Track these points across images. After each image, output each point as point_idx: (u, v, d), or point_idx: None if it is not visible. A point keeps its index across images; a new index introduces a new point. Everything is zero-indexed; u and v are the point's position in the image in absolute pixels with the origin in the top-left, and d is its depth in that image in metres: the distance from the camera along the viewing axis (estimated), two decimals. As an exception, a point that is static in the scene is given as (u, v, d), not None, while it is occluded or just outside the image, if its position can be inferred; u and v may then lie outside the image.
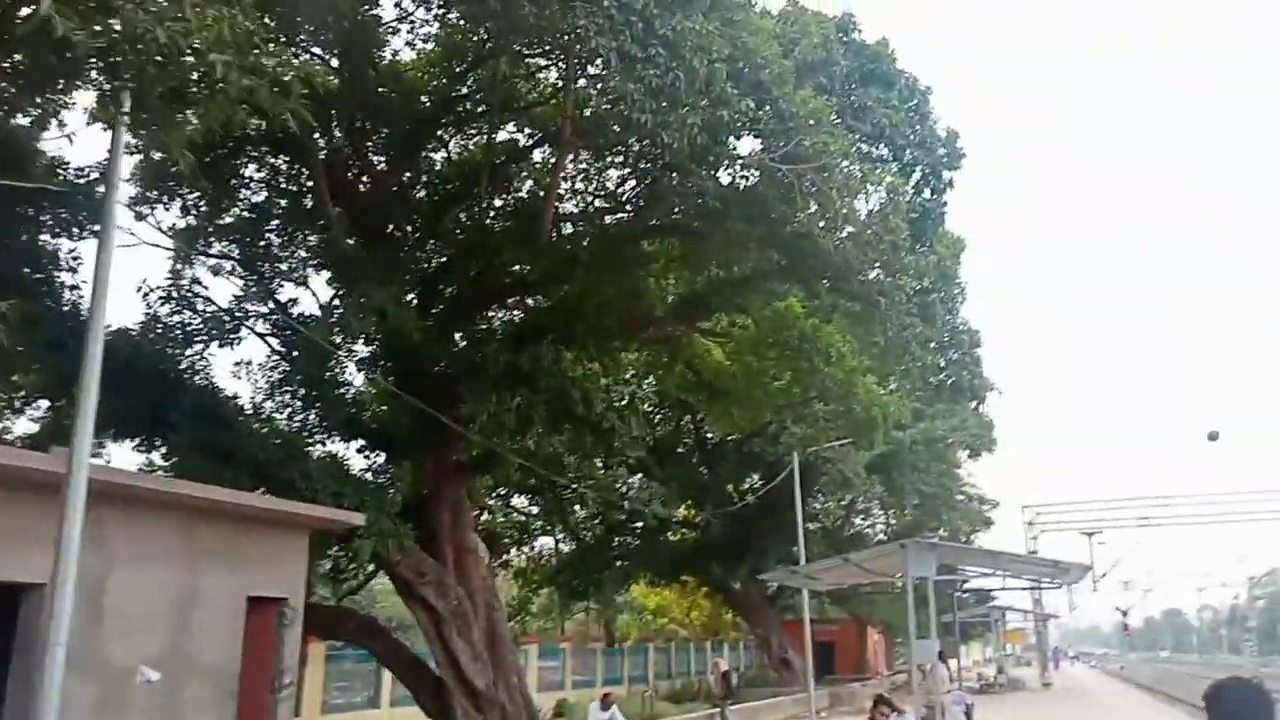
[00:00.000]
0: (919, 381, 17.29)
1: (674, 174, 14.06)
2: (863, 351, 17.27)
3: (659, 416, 34.06)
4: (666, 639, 44.53)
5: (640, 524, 34.62)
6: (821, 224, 13.51)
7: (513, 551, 36.88)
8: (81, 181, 13.18)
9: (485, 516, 30.34)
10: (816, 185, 12.98)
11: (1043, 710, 31.88)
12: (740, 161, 14.11)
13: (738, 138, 14.01)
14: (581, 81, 13.51)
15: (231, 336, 14.73)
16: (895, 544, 16.25)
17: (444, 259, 17.19)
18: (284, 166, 15.19)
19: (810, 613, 48.63)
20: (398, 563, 15.58)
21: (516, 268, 17.44)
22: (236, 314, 14.39)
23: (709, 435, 33.14)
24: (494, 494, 28.84)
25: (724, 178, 14.37)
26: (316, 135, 14.26)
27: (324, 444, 15.89)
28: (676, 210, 15.00)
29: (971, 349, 17.13)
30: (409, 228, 16.70)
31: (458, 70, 15.70)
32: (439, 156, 16.82)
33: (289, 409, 15.47)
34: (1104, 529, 50.24)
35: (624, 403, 18.32)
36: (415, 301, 17.01)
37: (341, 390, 16.22)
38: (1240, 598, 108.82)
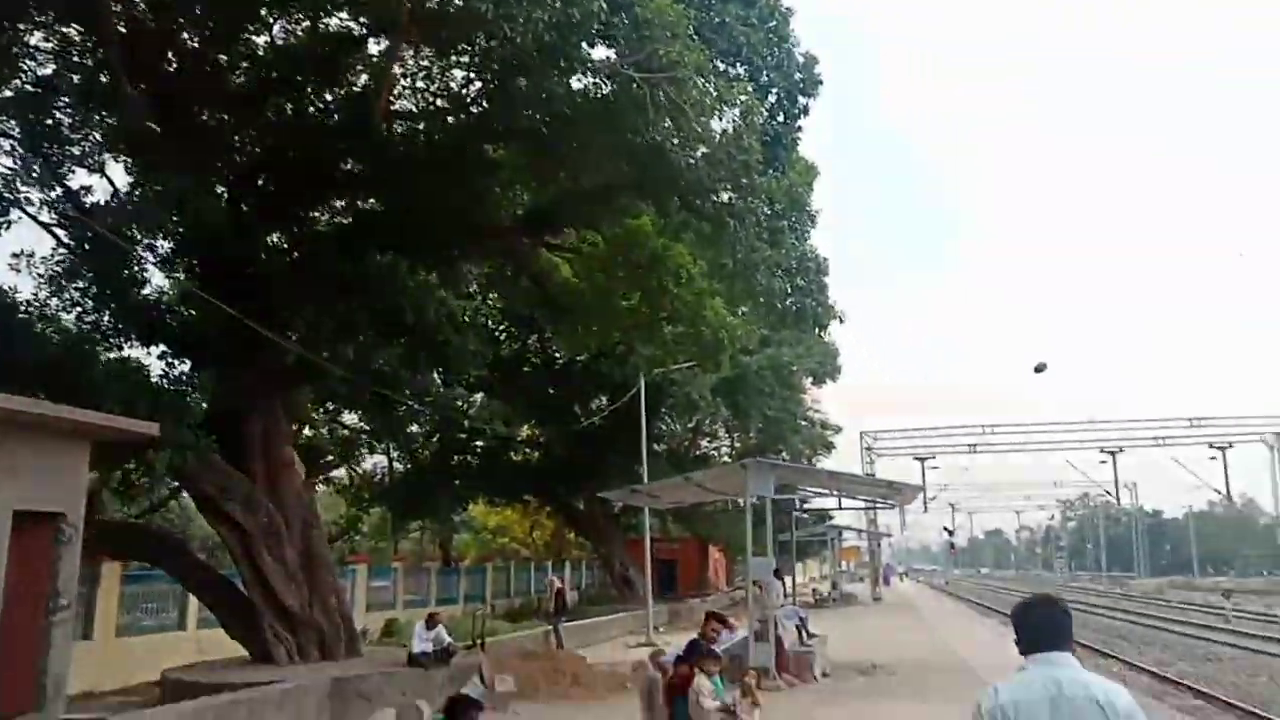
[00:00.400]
0: (765, 306, 17.26)
1: (522, 76, 13.35)
2: (712, 274, 17.14)
3: (504, 334, 33.46)
4: (506, 558, 44.52)
5: (481, 443, 34.19)
6: (675, 140, 13.12)
7: (343, 469, 36.00)
8: None
9: (309, 431, 29.25)
10: (670, 98, 12.56)
11: (869, 620, 33.46)
12: (592, 68, 13.51)
13: (590, 44, 13.39)
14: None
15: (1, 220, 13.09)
16: (737, 464, 16.35)
17: (262, 151, 15.93)
18: (77, 38, 13.60)
19: (653, 532, 49.56)
20: (200, 478, 14.67)
21: (346, 166, 16.39)
22: (6, 196, 12.85)
23: (557, 355, 32.80)
24: (321, 408, 27.78)
25: (575, 84, 13.75)
26: (114, 3, 12.82)
27: (120, 348, 14.58)
28: (524, 115, 14.31)
29: (818, 276, 17.18)
30: (223, 115, 15.34)
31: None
32: (261, 40, 15.46)
33: (78, 308, 14.09)
34: (936, 454, 52.97)
35: (463, 316, 17.68)
36: (226, 195, 15.77)
37: (140, 290, 14.88)
38: (1054, 520, 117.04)
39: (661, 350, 20.44)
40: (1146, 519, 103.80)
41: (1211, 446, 49.30)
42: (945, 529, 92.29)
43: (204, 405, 14.90)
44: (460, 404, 29.04)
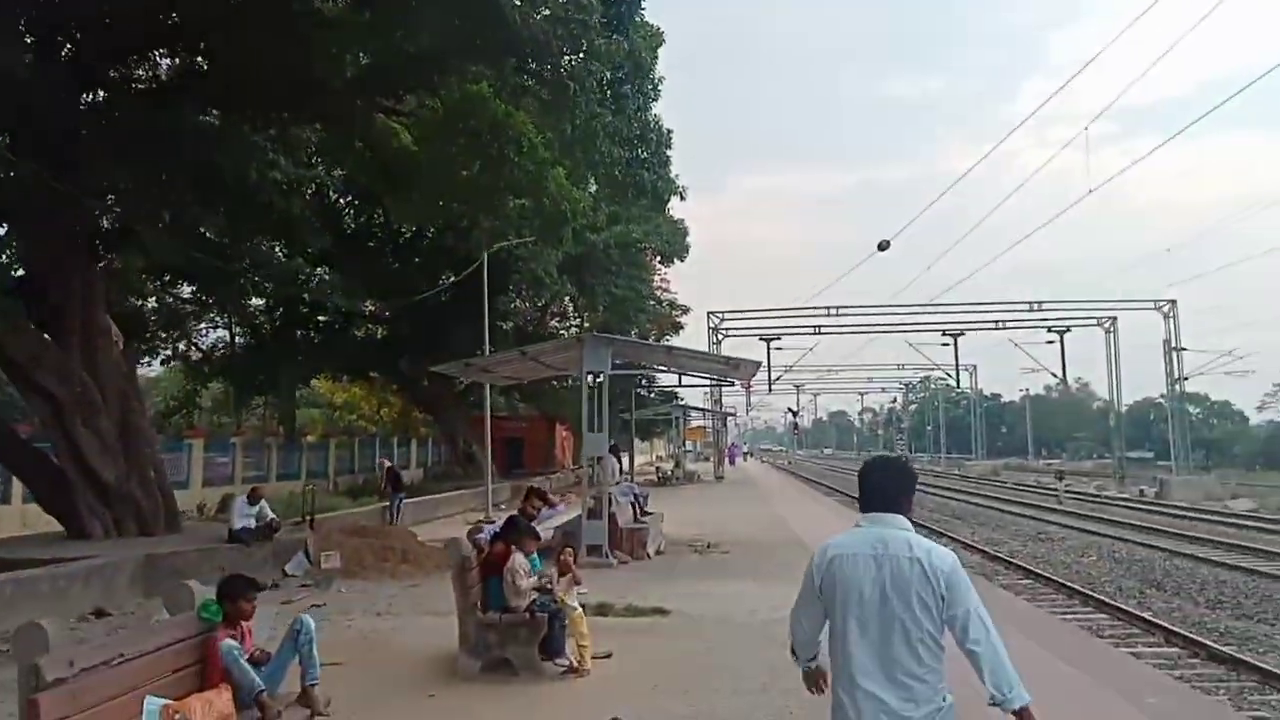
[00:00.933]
0: (607, 177, 17.10)
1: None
2: (554, 145, 16.82)
3: (349, 208, 32.30)
4: (353, 435, 44.03)
5: (324, 318, 33.31)
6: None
7: (183, 344, 34.76)
8: None
9: (142, 303, 27.93)
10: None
11: (710, 499, 34.73)
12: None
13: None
14: None
15: None
16: (572, 338, 16.33)
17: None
18: None
19: (500, 410, 49.79)
20: (8, 344, 13.83)
21: (169, 19, 15.18)
22: None
23: (402, 230, 31.90)
24: (154, 279, 26.47)
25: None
26: None
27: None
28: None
29: (661, 148, 17.09)
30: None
31: None
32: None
33: None
34: (781, 335, 54.36)
35: (296, 183, 16.88)
36: (34, 46, 14.47)
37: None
38: (896, 402, 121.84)
39: (503, 222, 20.11)
40: (984, 402, 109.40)
41: (1050, 330, 51.76)
42: (790, 410, 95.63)
43: (15, 271, 13.94)
44: (303, 277, 28.07)
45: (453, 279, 28.22)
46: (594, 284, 32.96)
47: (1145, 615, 14.17)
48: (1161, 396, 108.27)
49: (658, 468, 51.39)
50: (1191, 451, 53.49)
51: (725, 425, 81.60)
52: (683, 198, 20.11)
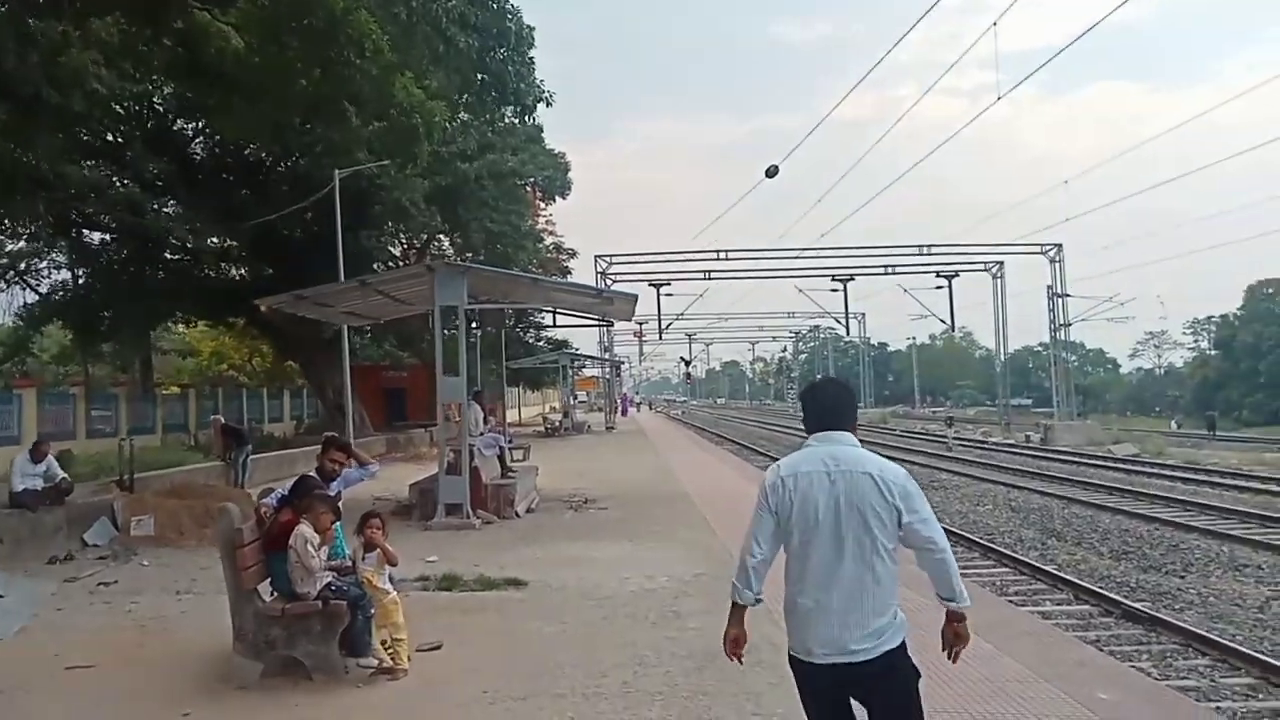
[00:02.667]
0: (459, 76, 15.10)
1: None
2: (399, 46, 14.56)
3: (196, 135, 29.16)
4: (214, 385, 40.82)
5: (172, 255, 30.26)
6: None
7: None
8: None
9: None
10: None
11: (597, 450, 32.97)
12: None
13: None
14: None
15: None
16: (420, 266, 14.09)
17: None
18: None
19: (381, 360, 47.11)
20: None
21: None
22: None
23: (263, 158, 28.92)
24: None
25: None
26: None
27: None
28: None
29: (523, 47, 15.13)
30: None
31: None
32: None
33: None
34: (671, 281, 52.77)
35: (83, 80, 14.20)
36: None
37: None
38: (787, 351, 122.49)
39: (352, 139, 17.72)
40: (872, 351, 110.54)
41: (939, 275, 51.38)
42: (682, 359, 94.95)
43: None
44: (149, 211, 25.11)
45: (296, 206, 25.40)
46: (467, 218, 30.41)
47: (1050, 569, 13.33)
48: (1041, 345, 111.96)
49: (545, 418, 49.34)
50: (1056, 398, 54.05)
51: (619, 375, 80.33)
52: (549, 103, 18.38)
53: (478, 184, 30.26)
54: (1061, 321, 52.17)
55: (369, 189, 26.53)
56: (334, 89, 15.57)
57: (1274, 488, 23.12)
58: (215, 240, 29.01)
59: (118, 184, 26.02)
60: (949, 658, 3.81)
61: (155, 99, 25.72)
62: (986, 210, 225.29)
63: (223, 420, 21.87)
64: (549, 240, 47.15)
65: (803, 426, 3.97)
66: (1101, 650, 8.69)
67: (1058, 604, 11.54)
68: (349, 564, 6.97)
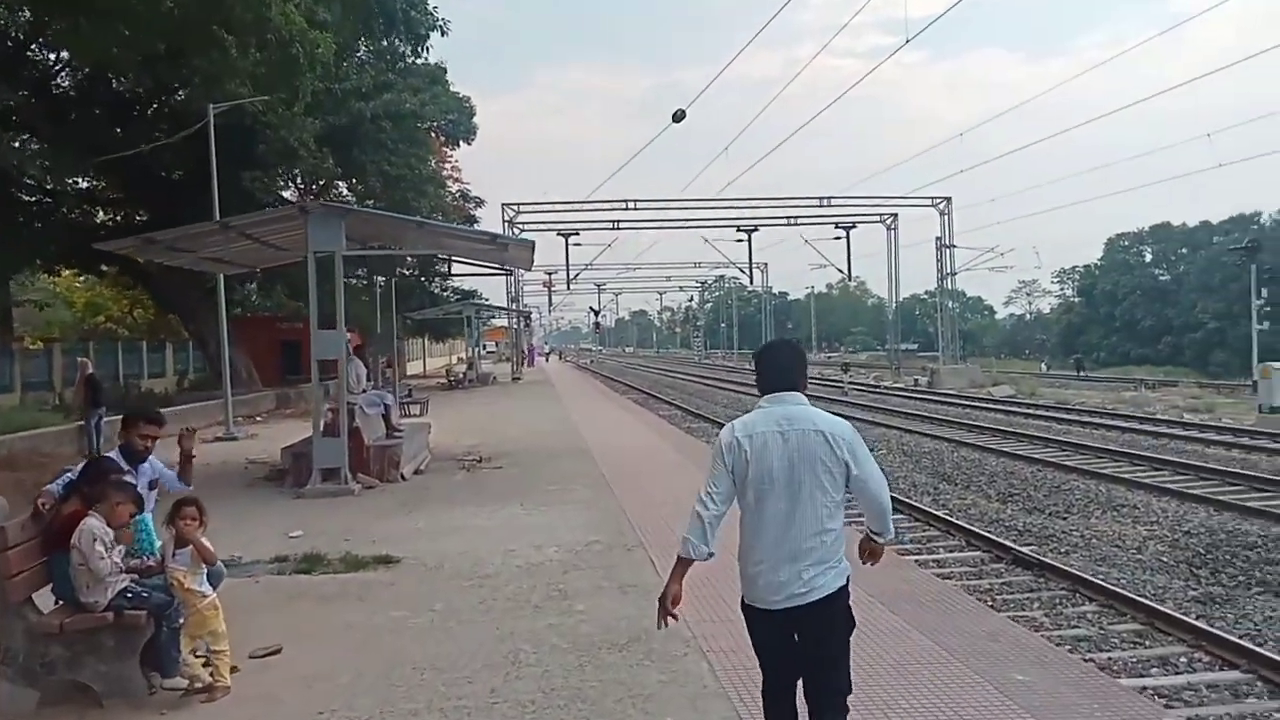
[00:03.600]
0: (337, 4, 13.47)
1: None
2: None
3: (60, 63, 26.36)
4: (85, 338, 37.82)
5: (29, 196, 27.48)
6: None
7: None
8: None
9: None
10: None
11: (501, 403, 31.50)
12: None
13: None
14: None
15: None
16: (291, 207, 12.39)
17: None
18: None
19: (275, 310, 44.60)
20: None
21: None
22: None
23: (139, 91, 26.29)
24: None
25: None
26: None
27: None
28: None
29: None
30: None
31: None
32: None
33: None
34: (580, 230, 51.19)
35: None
36: None
37: None
38: (693, 301, 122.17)
39: (227, 70, 15.80)
40: (773, 299, 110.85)
41: (837, 226, 50.98)
42: (591, 309, 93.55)
43: None
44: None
45: (161, 141, 23.08)
46: (364, 160, 28.20)
47: (943, 515, 12.89)
48: (927, 293, 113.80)
49: (448, 370, 47.51)
50: (941, 343, 54.68)
51: (528, 325, 78.56)
52: (444, 33, 16.77)
53: (374, 125, 28.08)
54: (948, 271, 52.34)
55: (254, 128, 24.32)
56: (203, 12, 13.70)
57: (1136, 425, 23.93)
58: (80, 180, 26.37)
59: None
60: (864, 562, 4.06)
61: (7, 23, 22.95)
62: (881, 165, 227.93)
63: (90, 368, 19.16)
64: (455, 187, 44.94)
65: (755, 385, 4.01)
66: (999, 609, 8.16)
67: (950, 550, 11.12)
68: (152, 563, 5.54)
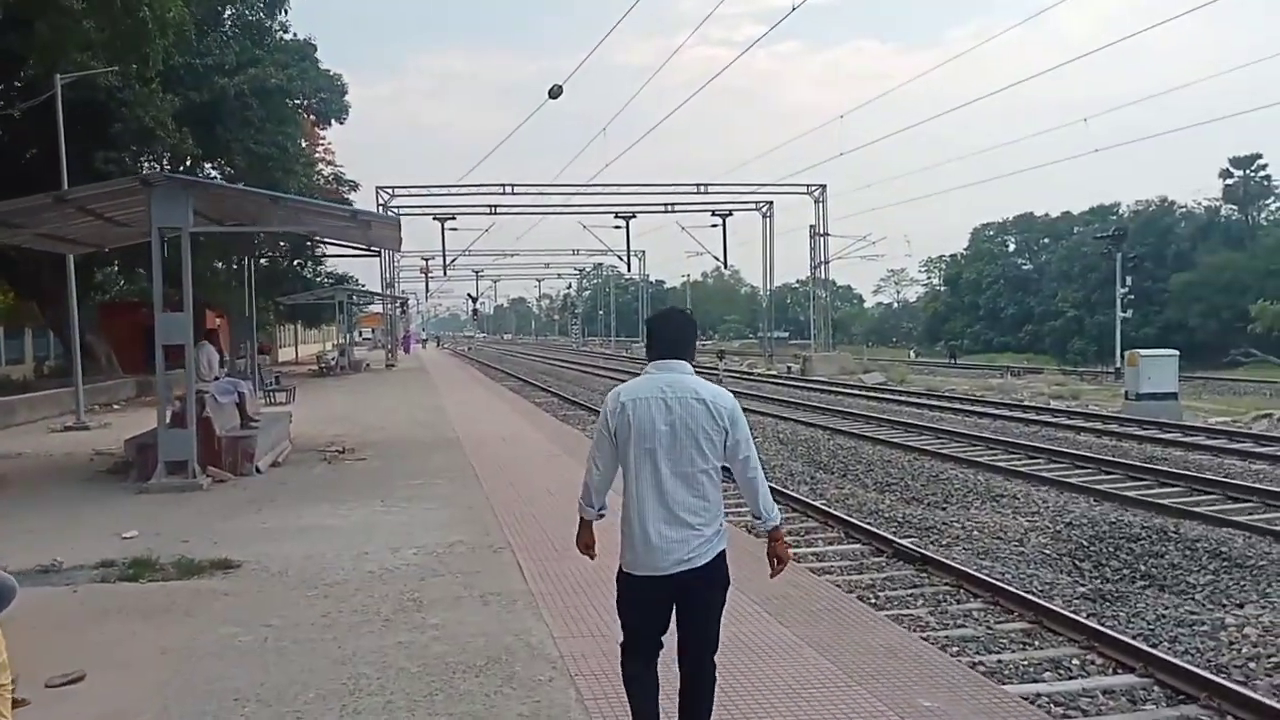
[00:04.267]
0: None
1: None
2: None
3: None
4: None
5: None
6: None
7: None
8: None
9: None
10: None
11: (372, 390, 30.20)
12: None
13: None
14: None
15: None
16: (131, 179, 11.10)
17: None
18: None
19: (136, 295, 41.74)
20: None
21: None
22: None
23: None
24: None
25: None
26: None
27: None
28: None
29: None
30: None
31: None
32: None
33: None
34: (457, 215, 49.74)
35: None
36: None
37: None
38: (571, 288, 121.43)
39: (68, 36, 14.27)
40: (650, 287, 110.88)
41: (714, 214, 50.82)
42: (469, 295, 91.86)
43: None
44: None
45: (29, 128, 21.11)
46: (229, 139, 26.36)
47: (821, 505, 12.37)
48: (799, 282, 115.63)
49: (319, 357, 45.51)
50: (814, 330, 55.31)
51: (404, 312, 76.32)
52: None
53: (239, 101, 26.25)
54: (823, 259, 52.83)
55: (107, 104, 22.43)
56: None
57: (1007, 413, 24.03)
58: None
59: None
60: (772, 577, 4.03)
61: None
62: (756, 152, 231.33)
63: None
64: (327, 170, 42.92)
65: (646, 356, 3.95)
66: (882, 607, 7.80)
67: (830, 543, 10.60)
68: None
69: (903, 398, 29.63)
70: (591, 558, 4.07)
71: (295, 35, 31.85)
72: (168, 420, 11.92)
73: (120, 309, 38.56)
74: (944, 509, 12.52)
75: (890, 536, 10.48)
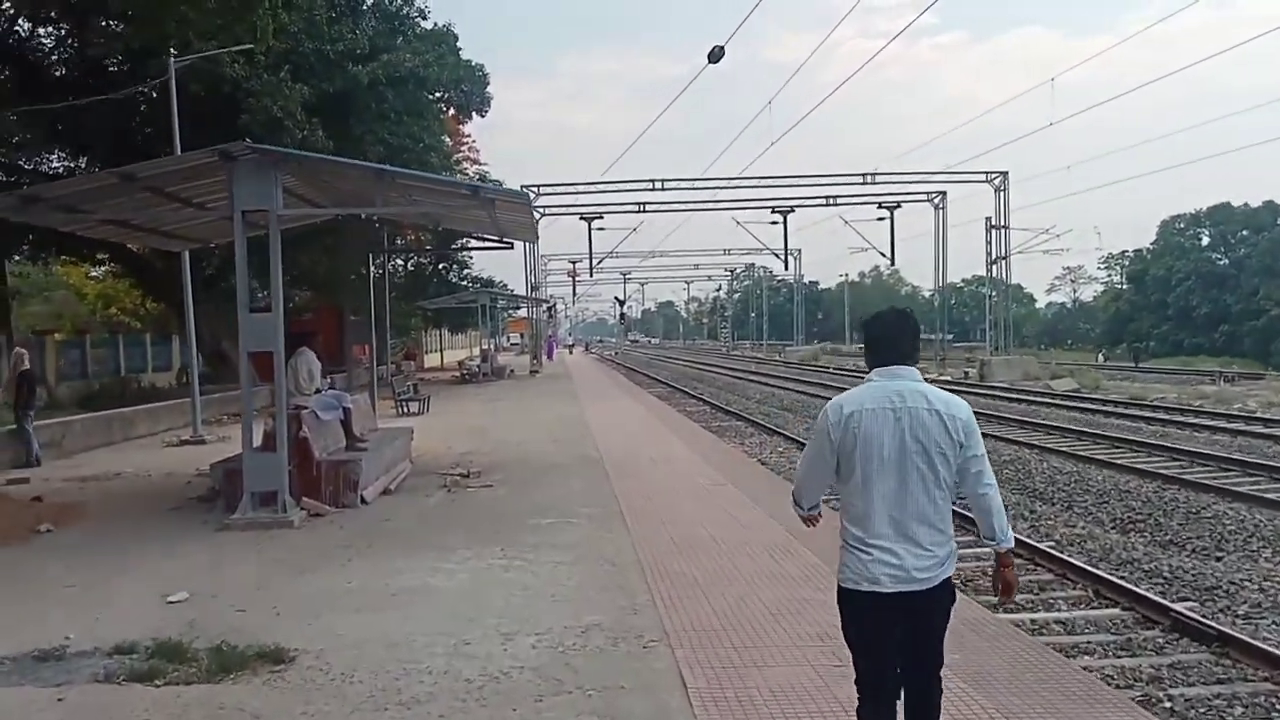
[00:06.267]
0: None
1: None
2: None
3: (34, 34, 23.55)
4: (81, 331, 35.17)
5: (11, 177, 24.80)
6: None
7: None
8: None
9: None
10: None
11: (511, 398, 28.54)
12: None
13: None
14: None
15: None
16: (209, 151, 9.27)
17: None
18: None
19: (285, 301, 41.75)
20: None
21: None
22: None
23: (118, 61, 23.42)
24: None
25: None
26: None
27: None
28: None
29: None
30: None
31: None
32: None
33: None
34: (604, 214, 48.04)
35: None
36: None
37: None
38: (721, 291, 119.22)
39: (163, 6, 12.76)
40: (804, 289, 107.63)
41: (880, 206, 47.34)
42: (616, 299, 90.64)
43: None
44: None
45: (96, 98, 20.10)
46: (362, 132, 25.04)
47: (1051, 549, 9.78)
48: (963, 280, 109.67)
49: (461, 364, 44.48)
50: (991, 332, 50.79)
51: (551, 316, 75.63)
52: None
53: (373, 91, 24.94)
54: (1002, 253, 48.45)
55: (234, 95, 21.38)
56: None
57: (1244, 427, 20.38)
58: (60, 158, 23.63)
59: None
60: (998, 606, 4.30)
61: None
62: (921, 140, 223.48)
63: (26, 361, 15.45)
64: (471, 169, 41.84)
65: (864, 362, 3.66)
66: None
67: (1075, 605, 8.07)
68: None
69: (1105, 407, 26.24)
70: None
71: (435, 24, 30.51)
72: (256, 442, 10.07)
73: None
74: (1219, 558, 9.70)
75: (1162, 600, 7.85)
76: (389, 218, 15.53)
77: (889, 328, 3.60)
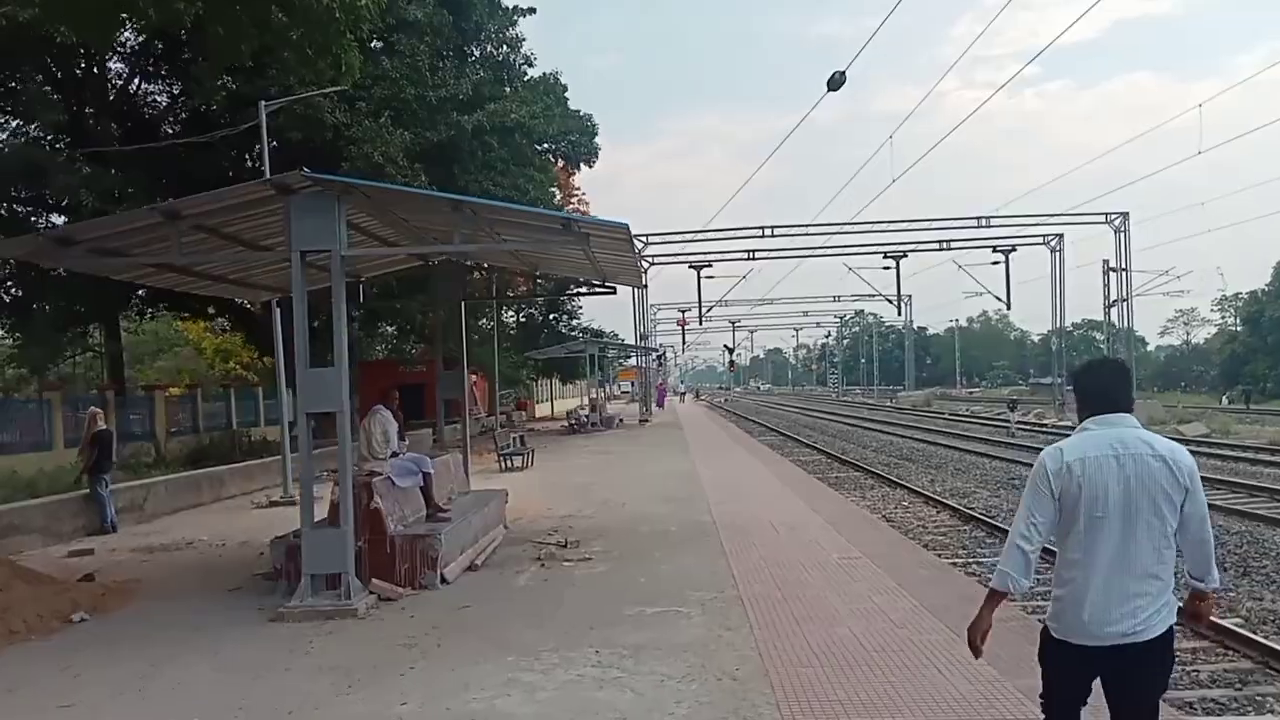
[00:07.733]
0: None
1: None
2: None
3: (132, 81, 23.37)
4: (192, 386, 34.99)
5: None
6: None
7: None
8: None
9: None
10: None
11: (619, 449, 26.90)
12: None
13: None
14: None
15: None
16: (260, 183, 7.94)
17: None
18: None
19: (390, 354, 41.43)
20: None
21: None
22: None
23: (209, 108, 23.03)
24: None
25: None
26: None
27: None
28: None
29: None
30: None
31: None
32: None
33: None
34: (712, 262, 46.38)
35: None
36: None
37: None
38: (830, 337, 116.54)
39: (241, 32, 11.72)
40: (913, 334, 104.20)
41: (995, 250, 44.55)
42: (725, 347, 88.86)
43: None
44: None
45: (197, 137, 19.47)
46: (466, 181, 24.01)
47: (1245, 633, 7.94)
48: (1072, 324, 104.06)
49: (569, 414, 43.12)
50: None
51: (661, 364, 74.25)
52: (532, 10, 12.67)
53: (478, 139, 23.95)
54: (1121, 296, 44.96)
55: (334, 141, 20.63)
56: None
57: None
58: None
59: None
60: (1190, 628, 3.86)
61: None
62: (1031, 185, 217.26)
63: (101, 421, 14.34)
64: (578, 216, 40.94)
65: (1076, 413, 3.57)
66: None
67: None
68: None
69: (1247, 454, 23.75)
70: (977, 655, 3.46)
71: (544, 73, 29.56)
72: (320, 514, 8.60)
73: (374, 369, 37.99)
74: None
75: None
76: (490, 262, 14.12)
77: (1100, 377, 3.52)
